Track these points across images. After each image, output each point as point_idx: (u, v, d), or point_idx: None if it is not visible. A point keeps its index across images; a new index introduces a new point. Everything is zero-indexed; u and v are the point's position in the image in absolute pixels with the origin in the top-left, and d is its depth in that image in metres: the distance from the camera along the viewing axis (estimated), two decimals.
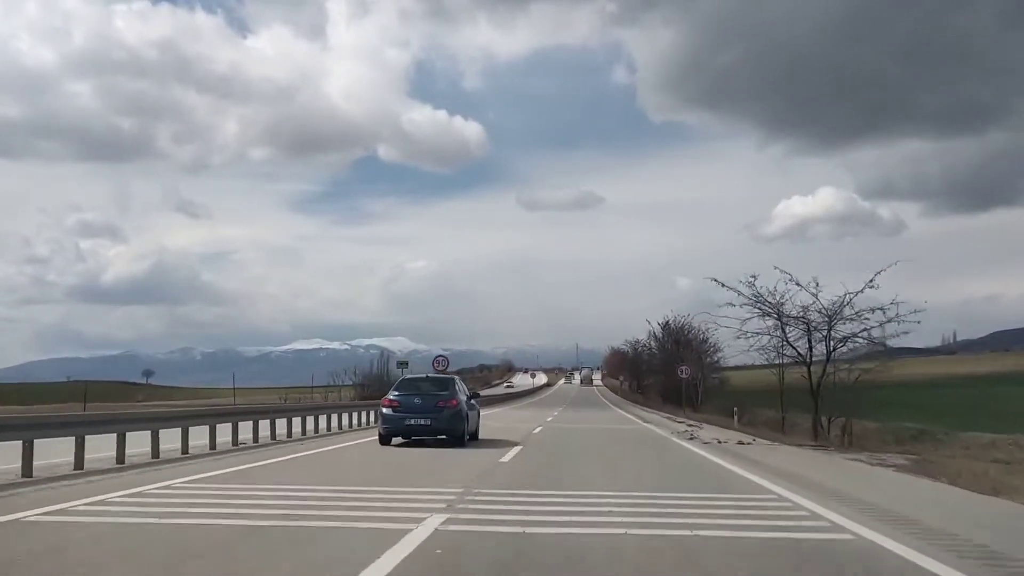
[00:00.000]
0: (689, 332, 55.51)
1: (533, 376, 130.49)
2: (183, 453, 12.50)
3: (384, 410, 15.09)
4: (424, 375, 18.35)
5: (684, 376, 41.57)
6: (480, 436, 16.81)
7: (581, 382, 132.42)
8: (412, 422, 14.71)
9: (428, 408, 14.78)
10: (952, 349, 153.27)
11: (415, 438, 15.00)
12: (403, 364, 61.03)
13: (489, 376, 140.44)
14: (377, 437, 15.39)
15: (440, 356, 32.48)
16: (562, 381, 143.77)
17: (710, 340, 50.08)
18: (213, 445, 13.68)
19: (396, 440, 15.10)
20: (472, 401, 16.89)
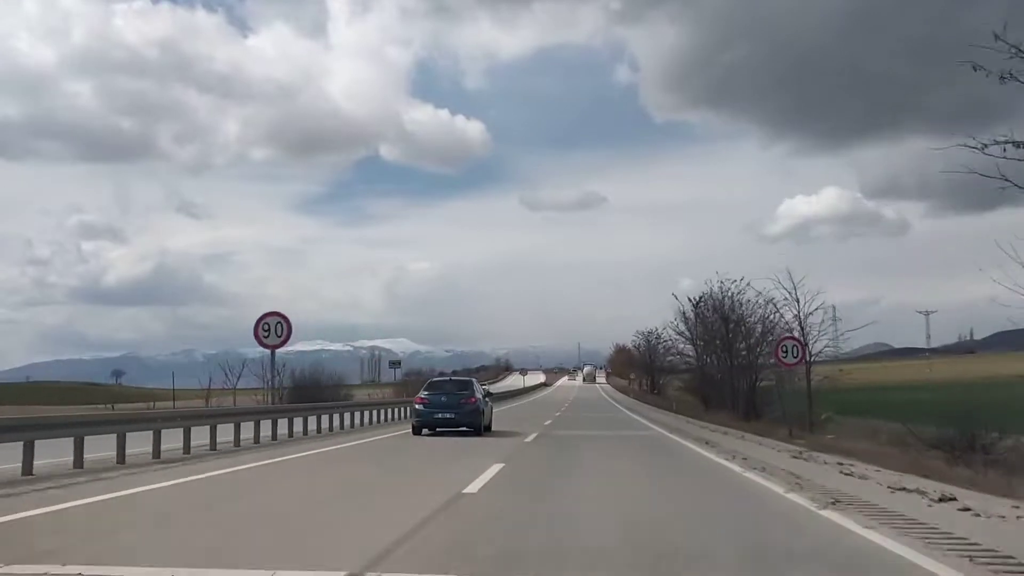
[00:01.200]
0: (742, 306, 34.60)
1: (524, 375, 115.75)
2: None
3: (417, 406, 18.60)
4: (448, 377, 21.84)
5: (793, 361, 22.80)
6: None
7: (583, 379, 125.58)
8: (439, 415, 18.14)
9: (452, 404, 18.25)
10: (970, 348, 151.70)
11: (440, 429, 18.25)
12: (396, 364, 63.04)
13: (484, 376, 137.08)
14: (411, 429, 18.85)
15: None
16: (565, 379, 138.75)
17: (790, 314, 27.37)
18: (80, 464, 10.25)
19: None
20: (486, 399, 20.33)
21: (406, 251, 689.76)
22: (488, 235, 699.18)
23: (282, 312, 17.55)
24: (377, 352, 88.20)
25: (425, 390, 19.18)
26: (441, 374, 46.09)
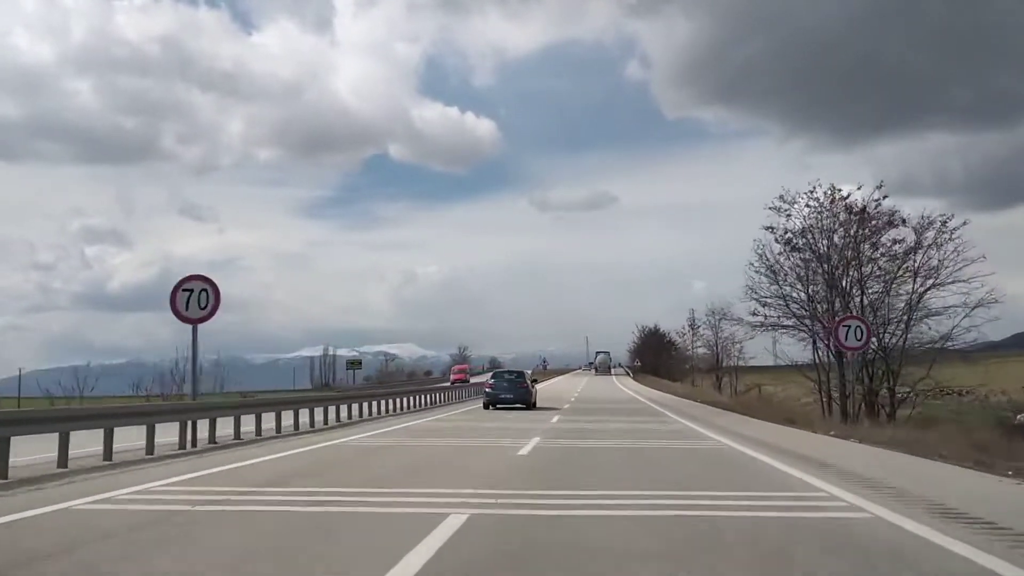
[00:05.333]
0: None
1: (463, 377, 66.50)
2: None
3: (486, 389, 27.37)
4: (507, 370, 30.40)
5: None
6: None
7: (596, 370, 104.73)
8: (502, 396, 26.90)
9: (511, 388, 27.04)
10: None
11: (500, 406, 26.73)
12: (355, 364, 66.27)
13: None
14: (482, 405, 27.36)
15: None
16: (579, 369, 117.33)
17: None
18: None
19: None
20: (533, 384, 28.83)
21: (414, 254, 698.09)
22: (498, 237, 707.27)
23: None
24: (330, 356, 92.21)
25: (491, 378, 27.87)
26: (410, 375, 55.80)
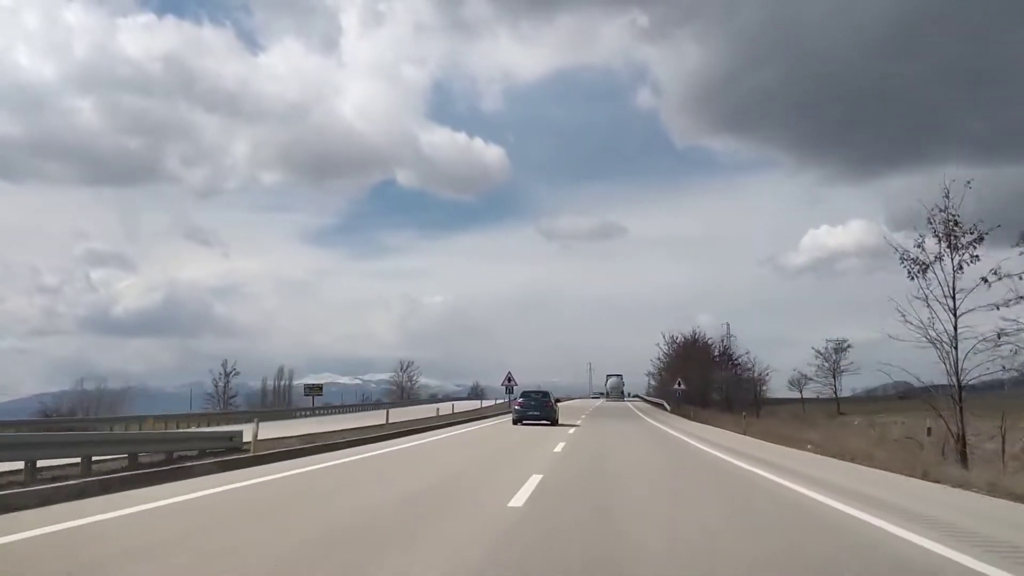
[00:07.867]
0: None
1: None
2: None
3: (515, 407, 31.25)
4: (533, 390, 34.39)
5: None
6: None
7: (608, 396, 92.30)
8: (529, 413, 31.17)
9: (538, 406, 31.29)
10: None
11: (526, 422, 30.59)
12: (315, 389, 64.82)
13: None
14: (511, 420, 31.20)
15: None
16: (580, 399, 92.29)
17: None
18: None
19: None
20: (556, 404, 32.77)
21: (420, 283, 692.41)
22: (504, 266, 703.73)
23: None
24: (289, 376, 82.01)
25: (520, 398, 31.88)
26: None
